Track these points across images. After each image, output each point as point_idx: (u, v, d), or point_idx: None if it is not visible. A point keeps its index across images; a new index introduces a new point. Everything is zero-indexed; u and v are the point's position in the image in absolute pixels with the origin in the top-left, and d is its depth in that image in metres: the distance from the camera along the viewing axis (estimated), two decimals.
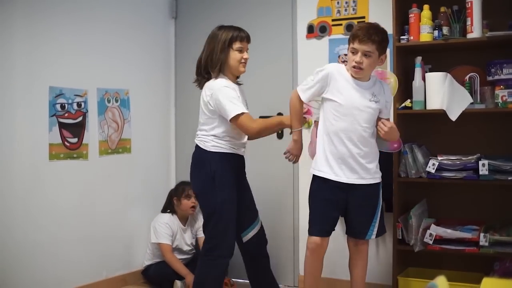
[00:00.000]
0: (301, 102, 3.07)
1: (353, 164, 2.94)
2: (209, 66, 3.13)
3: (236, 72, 3.19)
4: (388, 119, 3.05)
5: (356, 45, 2.88)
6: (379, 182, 3.05)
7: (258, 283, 3.42)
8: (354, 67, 2.90)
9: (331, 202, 2.99)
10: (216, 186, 3.09)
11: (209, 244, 3.15)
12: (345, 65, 3.01)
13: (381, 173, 3.07)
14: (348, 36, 3.79)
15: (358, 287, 3.13)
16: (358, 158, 2.94)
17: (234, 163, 3.16)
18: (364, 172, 2.96)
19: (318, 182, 3.02)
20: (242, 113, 3.01)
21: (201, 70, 3.19)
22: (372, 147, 3.01)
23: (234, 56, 3.13)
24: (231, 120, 3.03)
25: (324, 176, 2.97)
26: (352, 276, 3.15)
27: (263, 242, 3.40)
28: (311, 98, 3.07)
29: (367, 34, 2.85)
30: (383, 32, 2.94)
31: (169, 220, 4.12)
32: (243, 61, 3.16)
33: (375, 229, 3.03)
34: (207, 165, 3.12)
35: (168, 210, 4.19)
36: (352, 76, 2.95)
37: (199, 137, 3.20)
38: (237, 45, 3.13)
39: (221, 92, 3.04)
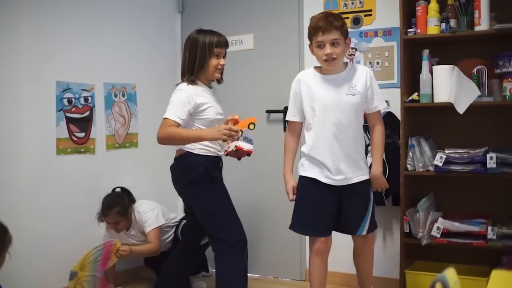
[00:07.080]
0: (290, 134, 3.04)
1: (345, 165, 2.87)
2: (187, 71, 3.13)
3: (211, 77, 3.17)
4: (378, 111, 2.98)
5: (320, 37, 2.78)
6: (369, 178, 2.99)
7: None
8: (326, 60, 2.81)
9: (323, 201, 2.92)
10: None
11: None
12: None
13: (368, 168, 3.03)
14: (354, 29, 3.83)
15: (368, 276, 3.15)
16: (348, 158, 2.87)
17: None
18: (357, 169, 2.91)
19: (305, 182, 2.95)
20: (166, 118, 2.98)
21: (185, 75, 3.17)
22: (361, 140, 2.96)
23: (212, 62, 3.11)
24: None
25: (315, 177, 2.90)
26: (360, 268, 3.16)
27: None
28: (298, 114, 2.97)
29: (328, 23, 2.77)
30: (340, 16, 2.89)
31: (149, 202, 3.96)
32: (219, 67, 3.14)
33: (367, 225, 2.96)
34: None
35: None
36: (322, 73, 2.89)
37: None
38: (216, 50, 3.11)
39: (175, 93, 3.09)
